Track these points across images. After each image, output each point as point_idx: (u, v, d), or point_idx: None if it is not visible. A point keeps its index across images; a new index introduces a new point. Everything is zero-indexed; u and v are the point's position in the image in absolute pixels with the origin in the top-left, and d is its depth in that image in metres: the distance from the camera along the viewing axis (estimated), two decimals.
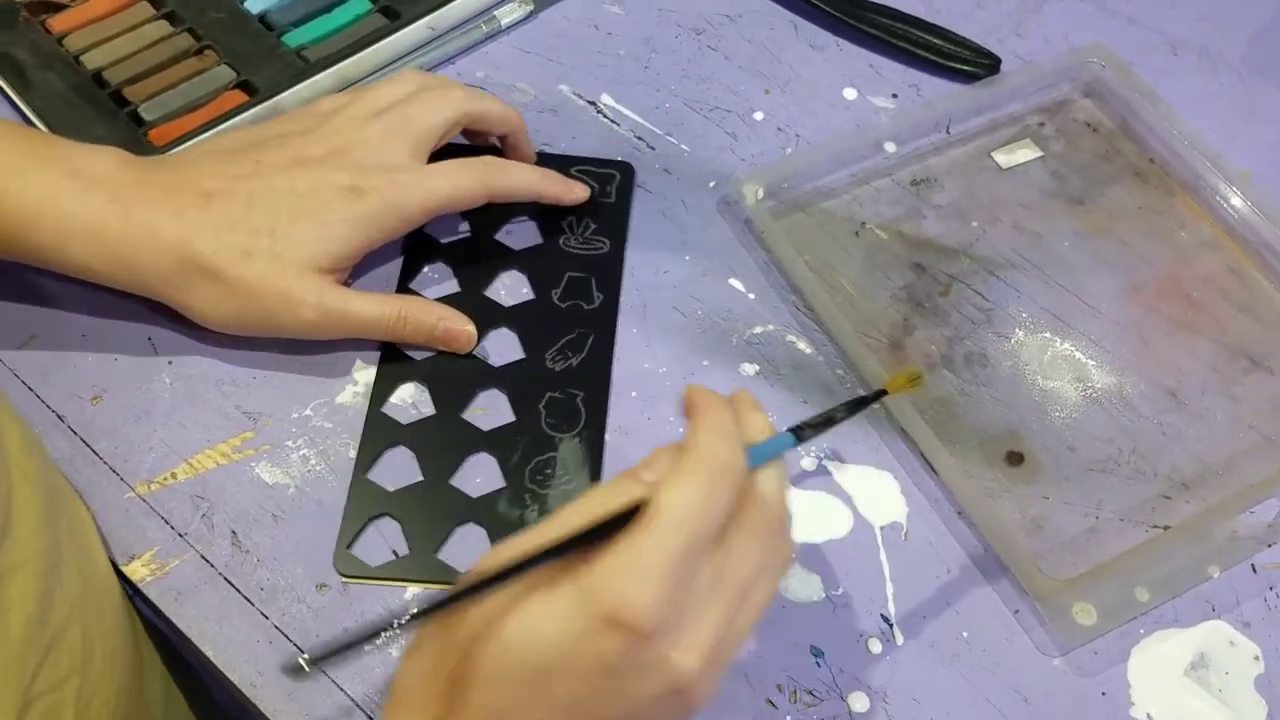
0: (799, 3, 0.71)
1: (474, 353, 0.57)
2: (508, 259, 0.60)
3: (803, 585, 0.52)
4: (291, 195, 0.54)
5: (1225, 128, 0.66)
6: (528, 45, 0.70)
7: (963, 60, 0.68)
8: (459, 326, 0.57)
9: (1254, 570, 0.53)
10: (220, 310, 0.54)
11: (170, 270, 0.53)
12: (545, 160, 0.63)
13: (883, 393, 0.52)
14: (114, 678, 0.49)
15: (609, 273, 0.60)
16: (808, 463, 0.55)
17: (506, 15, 0.70)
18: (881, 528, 0.54)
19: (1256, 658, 0.51)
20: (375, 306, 0.56)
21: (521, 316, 0.58)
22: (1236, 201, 0.62)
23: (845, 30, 0.70)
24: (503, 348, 0.58)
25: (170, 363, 0.57)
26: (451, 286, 0.60)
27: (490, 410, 0.56)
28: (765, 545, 0.40)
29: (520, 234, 0.61)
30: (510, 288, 0.60)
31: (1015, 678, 0.50)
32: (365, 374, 0.57)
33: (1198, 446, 0.56)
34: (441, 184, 0.56)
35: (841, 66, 0.69)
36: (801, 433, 0.45)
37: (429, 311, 0.57)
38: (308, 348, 0.57)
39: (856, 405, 0.49)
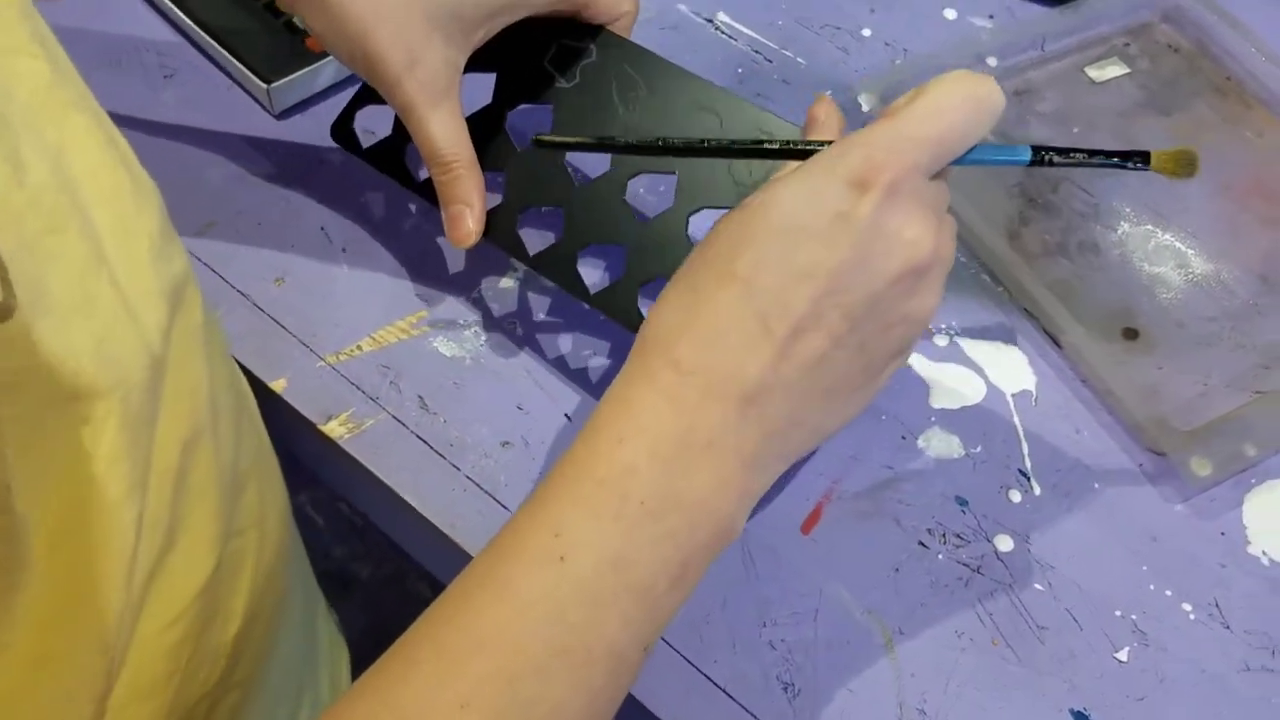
0: None
1: None
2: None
3: (944, 444, 0.57)
4: None
5: None
6: None
7: None
8: (467, 223, 0.55)
9: None
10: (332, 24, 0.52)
11: None
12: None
13: (1145, 161, 0.46)
14: (280, 538, 0.52)
15: None
16: (940, 339, 0.60)
17: None
18: (1013, 395, 0.58)
19: None
20: (446, 132, 0.53)
21: None
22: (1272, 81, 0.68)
23: None
24: None
25: (344, 250, 0.61)
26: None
27: None
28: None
29: None
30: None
31: (1143, 521, 0.55)
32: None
33: None
34: None
35: None
36: (1040, 153, 0.45)
37: (465, 189, 0.54)
38: None
39: (1107, 157, 0.46)
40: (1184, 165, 0.46)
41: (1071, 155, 0.46)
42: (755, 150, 0.48)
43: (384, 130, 0.59)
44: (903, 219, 0.40)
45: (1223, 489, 0.56)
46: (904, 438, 0.57)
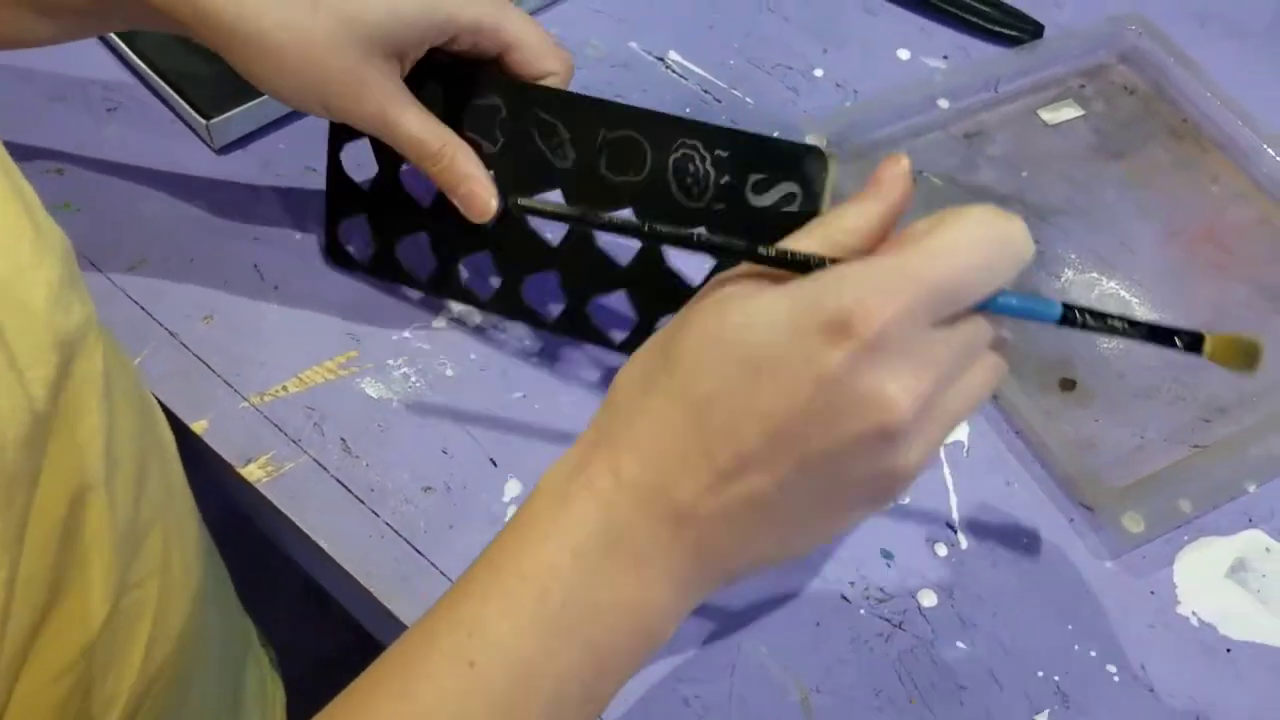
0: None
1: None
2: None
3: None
4: None
5: (1251, 92, 0.70)
6: (598, 5, 0.74)
7: (1007, 25, 0.72)
8: (483, 193, 0.54)
9: None
10: (277, 64, 0.51)
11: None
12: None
13: (1197, 346, 0.40)
14: (187, 586, 0.51)
15: None
16: None
17: None
18: (945, 445, 0.57)
19: None
20: (425, 126, 0.53)
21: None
22: (1266, 159, 0.67)
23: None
24: None
25: (276, 288, 0.60)
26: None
27: None
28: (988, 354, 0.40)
29: None
30: None
31: (1071, 578, 0.54)
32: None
33: (1234, 377, 0.59)
34: None
35: (895, 29, 0.73)
36: (1071, 314, 0.39)
37: (465, 164, 0.54)
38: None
39: (1152, 333, 0.40)
40: (1245, 358, 0.40)
41: (1110, 322, 0.40)
42: (750, 253, 0.40)
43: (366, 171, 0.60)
44: (882, 376, 0.36)
45: (1155, 546, 0.55)
46: None
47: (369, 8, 0.51)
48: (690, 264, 0.54)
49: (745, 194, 0.50)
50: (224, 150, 0.65)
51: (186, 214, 0.63)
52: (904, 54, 0.72)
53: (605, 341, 0.57)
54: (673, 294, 0.54)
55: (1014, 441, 0.58)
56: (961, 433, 0.58)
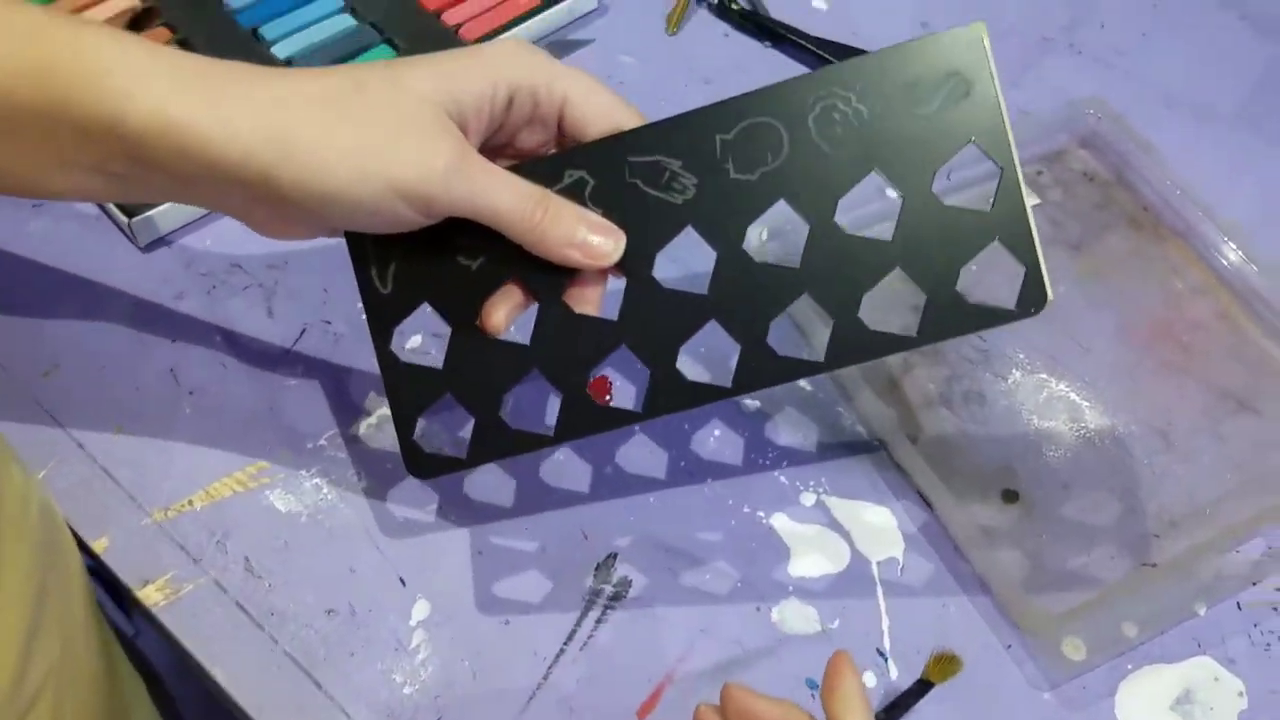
0: (808, 54, 0.73)
1: None
2: None
3: (799, 618, 0.53)
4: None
5: (1216, 179, 0.67)
6: None
7: None
8: (600, 229, 0.48)
9: (1239, 608, 0.53)
10: (325, 157, 0.43)
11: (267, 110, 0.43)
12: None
13: (928, 685, 0.50)
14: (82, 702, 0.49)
15: None
16: (807, 498, 0.56)
17: None
18: (878, 563, 0.54)
19: (1240, 694, 0.51)
20: (516, 185, 0.46)
21: None
22: (1227, 250, 0.63)
23: None
24: None
25: (191, 393, 0.58)
26: None
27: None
28: None
29: None
30: None
31: (1006, 712, 0.50)
32: (380, 406, 0.58)
33: (1186, 486, 0.57)
34: None
35: None
36: None
37: (569, 205, 0.47)
38: (323, 376, 0.58)
39: (907, 701, 0.50)
40: (952, 663, 0.51)
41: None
42: None
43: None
44: None
45: (1096, 675, 0.51)
46: (758, 609, 0.53)
47: (418, 80, 0.45)
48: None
49: (904, 108, 0.47)
50: (149, 248, 0.63)
51: (105, 315, 0.60)
52: None
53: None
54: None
55: (952, 559, 0.54)
56: (897, 548, 0.55)
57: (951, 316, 0.47)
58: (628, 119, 0.48)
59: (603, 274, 0.49)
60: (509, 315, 0.49)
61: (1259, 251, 0.62)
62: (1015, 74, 0.73)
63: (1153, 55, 0.74)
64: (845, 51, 0.72)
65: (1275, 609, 0.53)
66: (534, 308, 0.49)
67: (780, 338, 0.48)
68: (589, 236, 0.47)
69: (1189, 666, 0.51)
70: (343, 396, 0.58)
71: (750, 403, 0.59)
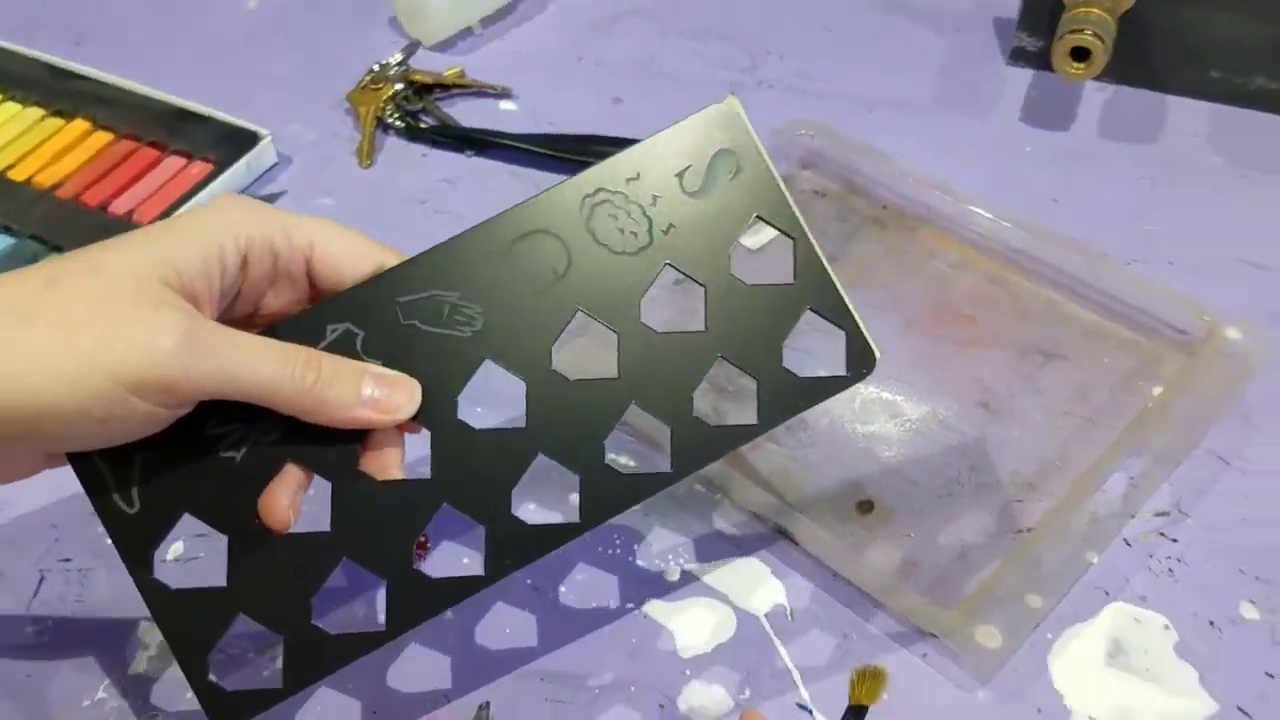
0: (515, 152, 0.69)
1: None
2: None
3: (707, 698, 0.45)
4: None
5: (939, 159, 0.66)
6: None
7: None
8: (391, 380, 0.41)
9: (1128, 544, 0.50)
10: (21, 369, 0.35)
11: None
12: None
13: (862, 709, 0.43)
14: None
15: None
16: (671, 574, 0.49)
17: None
18: (766, 615, 0.48)
19: (1166, 627, 0.47)
20: (273, 350, 0.39)
21: None
22: (975, 219, 0.62)
23: (564, 165, 0.68)
24: None
25: None
26: None
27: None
28: None
29: None
30: None
31: (945, 717, 0.45)
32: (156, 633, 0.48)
33: (1027, 446, 0.54)
34: None
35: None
36: None
37: (342, 361, 0.40)
38: (81, 623, 0.47)
39: None
40: (877, 678, 0.44)
41: None
42: None
43: None
44: None
45: (1022, 657, 0.46)
46: (663, 706, 0.45)
47: (125, 257, 0.38)
48: None
49: (681, 194, 0.43)
50: None
51: None
52: None
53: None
54: None
55: (835, 585, 0.49)
56: (779, 594, 0.49)
57: (787, 396, 0.43)
58: (386, 258, 0.42)
59: (398, 431, 0.42)
60: (294, 502, 0.41)
61: (1004, 211, 0.62)
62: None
63: (839, 71, 0.74)
64: (554, 143, 0.68)
65: (1162, 534, 0.50)
66: (324, 486, 0.41)
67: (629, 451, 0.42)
68: (376, 391, 0.40)
69: (1106, 616, 0.48)
70: (109, 635, 0.48)
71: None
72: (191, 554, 0.50)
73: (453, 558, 0.50)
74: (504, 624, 0.48)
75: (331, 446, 0.41)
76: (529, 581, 0.49)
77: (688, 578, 0.49)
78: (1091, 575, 0.49)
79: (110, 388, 0.36)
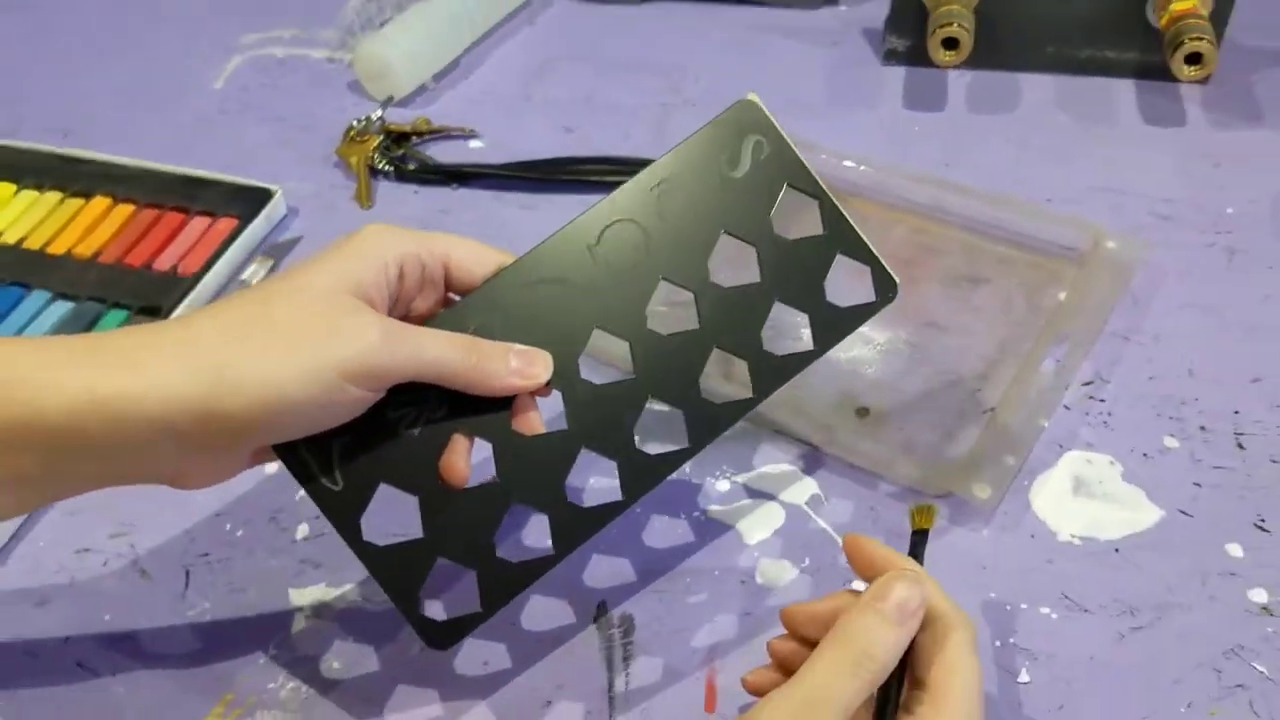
0: (494, 180, 0.79)
1: None
2: None
3: (778, 571, 0.56)
4: None
5: (846, 147, 0.78)
6: None
7: None
8: (528, 353, 0.50)
9: (1067, 409, 0.63)
10: (266, 369, 0.44)
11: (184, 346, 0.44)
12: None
13: (925, 533, 0.49)
14: None
15: None
16: (722, 484, 0.60)
17: (252, 276, 0.72)
18: (806, 503, 0.59)
19: (1111, 463, 0.60)
20: (442, 336, 0.48)
21: None
22: (893, 185, 0.75)
23: (540, 186, 0.78)
24: None
25: (115, 674, 0.53)
26: None
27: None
28: None
29: None
30: None
31: (966, 559, 0.56)
32: (308, 598, 0.55)
33: (973, 349, 0.66)
34: None
35: (557, 213, 0.76)
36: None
37: (490, 342, 0.50)
38: (234, 601, 0.55)
39: (916, 554, 0.48)
40: (932, 510, 0.49)
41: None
42: None
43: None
44: None
45: (1009, 501, 0.59)
46: (743, 582, 0.56)
47: (317, 278, 0.46)
48: None
49: (725, 175, 0.53)
50: None
51: None
52: None
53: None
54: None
55: (856, 475, 0.60)
56: (813, 487, 0.60)
57: (833, 323, 0.53)
58: (503, 258, 0.51)
59: (533, 395, 0.51)
60: (467, 462, 0.50)
61: (915, 174, 0.75)
62: (667, 141, 0.83)
63: (747, 84, 0.83)
64: (530, 168, 0.78)
65: (1091, 397, 0.63)
66: (485, 447, 0.50)
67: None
68: (519, 363, 0.49)
69: (1065, 462, 0.60)
70: (265, 606, 0.55)
71: None
72: (317, 532, 0.58)
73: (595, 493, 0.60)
74: (603, 540, 0.57)
75: (488, 415, 0.50)
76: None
77: (737, 487, 0.60)
78: (1046, 435, 0.62)
79: (334, 378, 0.44)
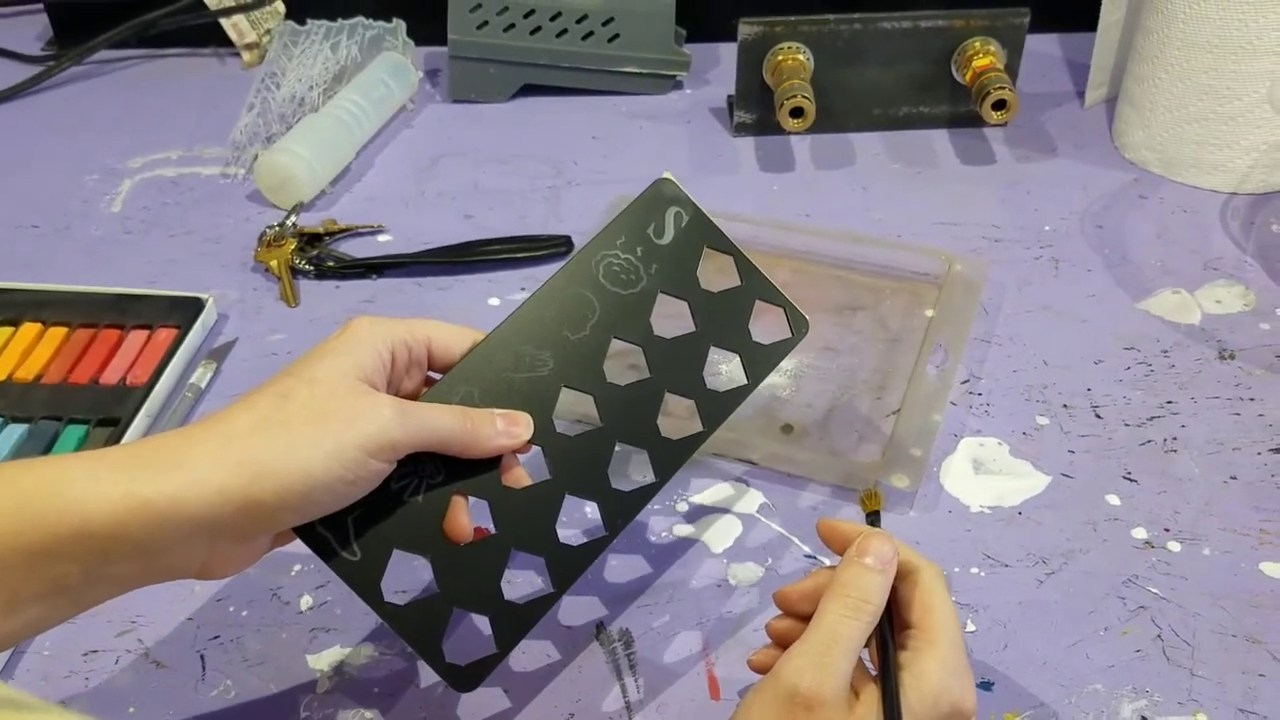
0: (410, 268, 0.83)
1: None
2: None
3: (749, 573, 0.62)
4: None
5: (717, 208, 0.87)
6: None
7: (553, 246, 0.84)
8: (510, 413, 0.54)
9: (954, 404, 0.72)
10: (297, 455, 0.47)
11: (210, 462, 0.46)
12: None
13: (878, 515, 0.55)
14: None
15: None
16: (680, 505, 0.66)
17: (200, 379, 0.74)
18: (757, 511, 0.66)
19: (999, 443, 0.69)
20: (443, 410, 0.52)
21: None
22: (768, 235, 0.84)
23: (454, 269, 0.83)
24: None
25: None
26: None
27: None
28: None
29: None
30: None
31: (897, 534, 0.63)
32: (321, 663, 0.58)
33: (865, 365, 0.75)
34: None
35: (472, 291, 0.82)
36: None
37: (484, 412, 0.54)
38: (253, 680, 0.57)
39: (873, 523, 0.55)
40: (876, 496, 0.56)
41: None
42: None
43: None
44: None
45: (925, 486, 0.67)
46: (719, 585, 0.61)
47: (326, 369, 0.50)
48: None
49: (654, 244, 0.58)
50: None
51: None
52: (495, 300, 0.80)
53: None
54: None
55: (790, 480, 0.67)
56: (760, 498, 0.66)
57: (762, 359, 0.60)
58: (476, 336, 0.56)
59: (517, 453, 0.56)
60: (468, 519, 0.54)
61: (784, 224, 0.84)
62: (563, 218, 0.89)
63: (619, 164, 0.94)
64: (443, 253, 0.83)
65: (970, 393, 0.72)
66: (481, 504, 0.54)
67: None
68: (504, 425, 0.54)
69: (963, 448, 0.69)
70: (287, 673, 0.58)
71: None
72: (320, 601, 0.61)
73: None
74: (590, 570, 0.62)
75: (480, 475, 0.54)
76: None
77: (694, 506, 0.66)
78: (943, 428, 0.70)
79: (358, 455, 0.48)
